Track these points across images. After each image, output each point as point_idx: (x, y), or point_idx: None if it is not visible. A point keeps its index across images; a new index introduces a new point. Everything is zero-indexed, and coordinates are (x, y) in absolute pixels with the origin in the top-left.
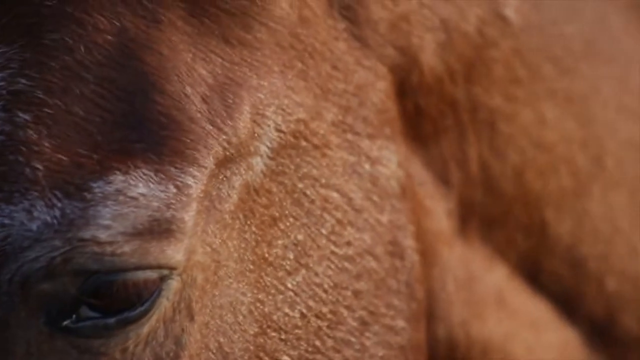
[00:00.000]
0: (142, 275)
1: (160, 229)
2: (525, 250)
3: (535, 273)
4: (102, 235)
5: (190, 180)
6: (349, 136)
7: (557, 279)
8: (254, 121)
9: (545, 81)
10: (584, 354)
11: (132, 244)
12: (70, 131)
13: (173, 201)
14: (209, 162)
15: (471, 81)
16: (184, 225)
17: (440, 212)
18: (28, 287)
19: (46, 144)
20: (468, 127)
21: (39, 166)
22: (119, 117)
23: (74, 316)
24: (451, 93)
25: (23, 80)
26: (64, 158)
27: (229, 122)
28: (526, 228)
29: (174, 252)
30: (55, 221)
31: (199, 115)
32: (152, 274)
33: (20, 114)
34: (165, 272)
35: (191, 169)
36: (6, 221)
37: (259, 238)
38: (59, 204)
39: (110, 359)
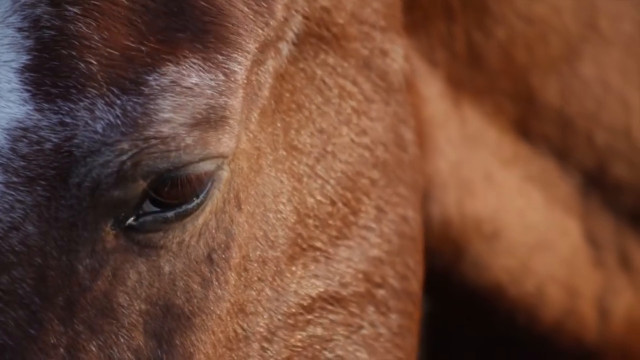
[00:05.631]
0: (204, 167)
1: (216, 116)
2: (514, 115)
3: (527, 134)
4: (165, 130)
5: (236, 67)
6: (365, 28)
7: (547, 138)
8: (286, 5)
9: None
10: (580, 203)
11: (192, 135)
12: (117, 23)
13: (224, 88)
14: (251, 47)
15: None
16: (235, 112)
17: (433, 96)
18: (98, 195)
19: (97, 38)
20: (457, 11)
21: (93, 61)
22: (160, 5)
23: (135, 214)
24: None
25: None
26: (115, 52)
27: (265, 5)
28: (513, 96)
29: (229, 140)
30: (118, 121)
31: None
32: (211, 165)
33: (69, 7)
34: (220, 161)
35: (236, 55)
36: (67, 120)
37: (287, 125)
38: (118, 101)
39: (168, 252)
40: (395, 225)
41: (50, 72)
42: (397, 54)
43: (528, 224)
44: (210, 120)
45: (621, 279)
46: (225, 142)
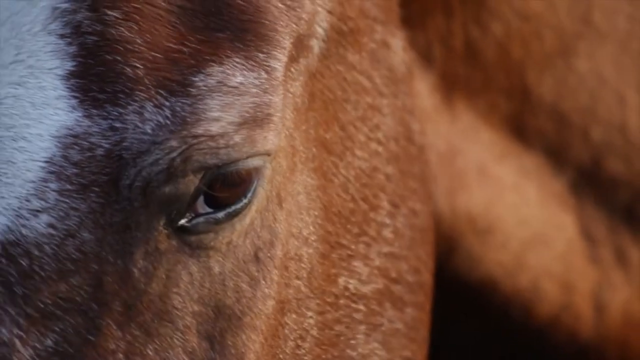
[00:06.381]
0: (252, 162)
1: (262, 114)
2: (508, 112)
3: (520, 131)
4: (214, 128)
5: (276, 64)
6: (369, 22)
7: (542, 133)
8: (313, 1)
9: None
10: (575, 198)
11: (240, 133)
12: (157, 25)
13: (267, 86)
14: (287, 43)
15: None
16: (278, 109)
17: (424, 90)
18: (150, 192)
19: (139, 41)
20: (456, 5)
21: (138, 65)
22: (197, 5)
23: (188, 215)
24: None
25: None
26: (159, 55)
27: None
28: (508, 92)
29: (274, 138)
30: (168, 121)
31: None
32: (259, 161)
33: (109, 12)
34: (266, 158)
35: (275, 52)
36: (117, 124)
37: (317, 123)
38: (167, 103)
39: (217, 252)
40: (407, 219)
41: (96, 77)
42: (397, 46)
43: (522, 219)
44: (257, 118)
45: (617, 275)
46: (271, 139)
